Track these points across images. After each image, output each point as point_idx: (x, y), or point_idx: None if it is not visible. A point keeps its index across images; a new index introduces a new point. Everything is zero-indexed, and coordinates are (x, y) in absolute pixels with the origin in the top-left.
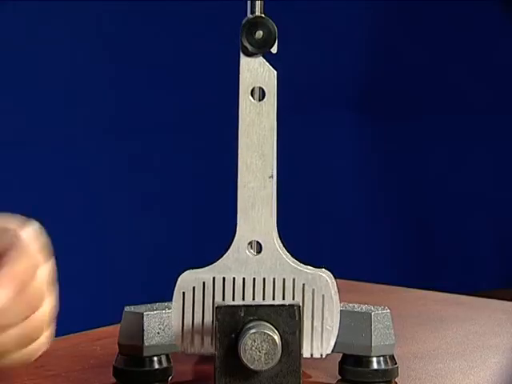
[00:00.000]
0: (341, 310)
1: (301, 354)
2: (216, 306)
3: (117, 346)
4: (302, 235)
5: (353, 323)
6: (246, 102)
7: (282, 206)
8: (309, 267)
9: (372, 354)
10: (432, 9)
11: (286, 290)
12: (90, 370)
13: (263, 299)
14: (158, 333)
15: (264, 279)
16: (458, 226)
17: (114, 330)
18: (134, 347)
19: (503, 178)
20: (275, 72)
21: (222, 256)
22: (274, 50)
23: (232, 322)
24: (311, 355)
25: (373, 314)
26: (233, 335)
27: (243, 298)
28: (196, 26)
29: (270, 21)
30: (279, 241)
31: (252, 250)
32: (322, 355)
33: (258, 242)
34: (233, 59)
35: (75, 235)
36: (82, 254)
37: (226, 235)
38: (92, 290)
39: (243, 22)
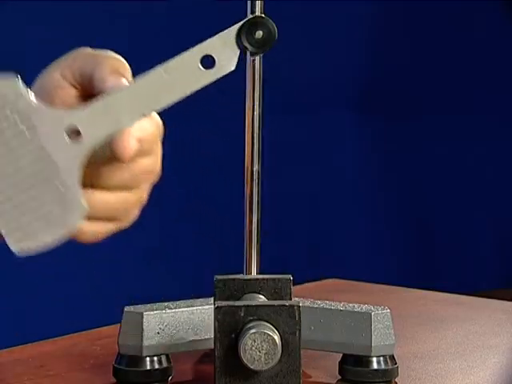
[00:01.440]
0: (341, 310)
1: (301, 354)
2: (216, 306)
3: (117, 346)
4: (302, 235)
5: (353, 323)
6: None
7: (282, 206)
8: None
9: (372, 354)
10: (433, 9)
11: None
12: (90, 370)
13: None
14: (158, 333)
15: None
16: (458, 226)
17: (114, 330)
18: (133, 347)
19: (503, 178)
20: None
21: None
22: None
23: (232, 322)
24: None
25: (373, 314)
26: (233, 335)
27: None
28: (196, 26)
29: (270, 21)
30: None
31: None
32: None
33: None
34: None
35: None
36: (82, 253)
37: (226, 235)
38: (92, 290)
39: (243, 21)
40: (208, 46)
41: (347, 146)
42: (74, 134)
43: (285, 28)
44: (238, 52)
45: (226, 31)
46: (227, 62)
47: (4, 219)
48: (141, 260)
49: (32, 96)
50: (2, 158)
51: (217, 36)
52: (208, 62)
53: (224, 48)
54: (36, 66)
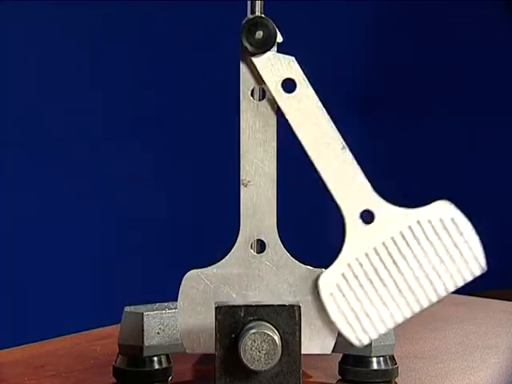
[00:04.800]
0: None
1: (301, 354)
2: (216, 306)
3: (117, 346)
4: (302, 235)
5: None
6: (282, 98)
7: (283, 205)
8: (309, 267)
9: (372, 354)
10: (433, 9)
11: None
12: (90, 370)
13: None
14: (158, 333)
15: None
16: None
17: (114, 329)
18: (133, 347)
19: (503, 178)
20: (293, 58)
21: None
22: (280, 39)
23: (232, 322)
24: (472, 275)
25: None
26: (233, 335)
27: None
28: (196, 25)
29: (270, 21)
30: (280, 240)
31: (254, 249)
32: (482, 269)
33: (261, 241)
34: (233, 60)
35: (75, 235)
36: (82, 253)
37: (227, 235)
38: (92, 290)
39: (243, 21)
40: None
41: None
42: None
43: (285, 28)
44: None
45: None
46: None
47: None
48: (141, 260)
49: None
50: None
51: None
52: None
53: None
54: (36, 66)
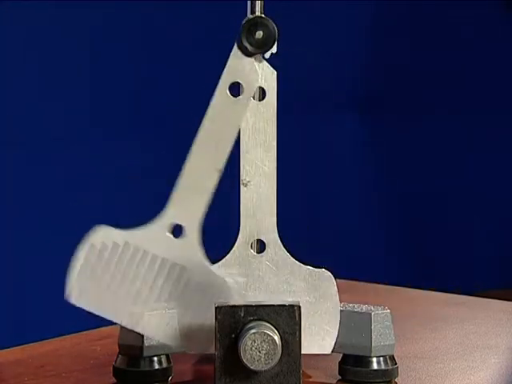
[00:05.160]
0: (341, 310)
1: (301, 354)
2: (216, 306)
3: (117, 346)
4: (302, 235)
5: (353, 323)
6: (221, 93)
7: (282, 206)
8: (309, 267)
9: (372, 354)
10: (433, 9)
11: (190, 284)
12: (90, 370)
13: (162, 284)
14: None
15: (173, 264)
16: (458, 225)
17: (114, 330)
18: (133, 347)
19: (503, 178)
20: (259, 75)
21: (225, 255)
22: (273, 50)
23: (232, 322)
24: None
25: (373, 314)
26: (233, 335)
27: (145, 274)
28: (196, 25)
29: (270, 21)
30: (280, 240)
31: (254, 249)
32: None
33: (261, 241)
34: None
35: (75, 235)
36: None
37: (227, 235)
38: None
39: (243, 22)
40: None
41: (348, 146)
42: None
43: (285, 28)
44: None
45: None
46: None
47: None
48: None
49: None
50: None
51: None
52: (235, 89)
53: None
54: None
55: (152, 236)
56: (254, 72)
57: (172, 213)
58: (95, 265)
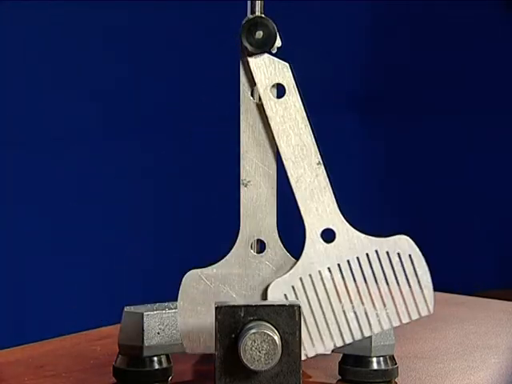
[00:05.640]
0: None
1: (301, 355)
2: (216, 305)
3: (117, 346)
4: (302, 235)
5: None
6: (270, 101)
7: (282, 206)
8: None
9: (372, 354)
10: (433, 9)
11: (373, 264)
12: (90, 370)
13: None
14: (158, 333)
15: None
16: (458, 225)
17: (114, 330)
18: (133, 347)
19: (503, 178)
20: (287, 64)
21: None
22: (275, 48)
23: (232, 321)
24: (419, 315)
25: None
26: (233, 335)
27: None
28: (196, 25)
29: (270, 21)
30: (280, 240)
31: (254, 249)
32: (430, 312)
33: (261, 241)
34: (233, 60)
35: (75, 235)
36: (82, 253)
37: (227, 235)
38: (92, 290)
39: (243, 22)
40: None
41: (348, 146)
42: None
43: (285, 28)
44: None
45: None
46: None
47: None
48: (141, 260)
49: None
50: None
51: None
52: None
53: None
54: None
55: (313, 253)
56: (280, 64)
57: (315, 222)
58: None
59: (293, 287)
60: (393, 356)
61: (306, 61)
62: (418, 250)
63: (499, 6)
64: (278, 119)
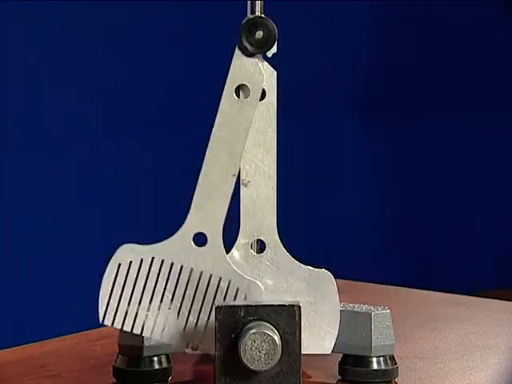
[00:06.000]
0: (341, 310)
1: (301, 354)
2: (216, 305)
3: (117, 346)
4: (302, 235)
5: (353, 323)
6: (230, 98)
7: (283, 206)
8: (309, 267)
9: (372, 354)
10: (433, 9)
11: (219, 290)
12: (90, 370)
13: (194, 294)
14: None
15: (201, 273)
16: (458, 225)
17: (114, 330)
18: (133, 347)
19: (503, 178)
20: (265, 75)
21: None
22: (274, 50)
23: (232, 322)
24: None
25: (373, 314)
26: (233, 335)
27: (175, 287)
28: (196, 25)
29: (270, 21)
30: (280, 240)
31: (254, 249)
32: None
33: (261, 241)
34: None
35: (75, 235)
36: (82, 253)
37: (227, 235)
38: (92, 290)
39: (243, 22)
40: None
41: (348, 146)
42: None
43: (285, 28)
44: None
45: None
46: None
47: None
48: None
49: None
50: None
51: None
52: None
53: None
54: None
55: (177, 248)
56: (259, 72)
57: (193, 222)
58: (125, 284)
59: (142, 260)
60: (393, 356)
61: (307, 60)
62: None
63: (499, 5)
64: (225, 114)
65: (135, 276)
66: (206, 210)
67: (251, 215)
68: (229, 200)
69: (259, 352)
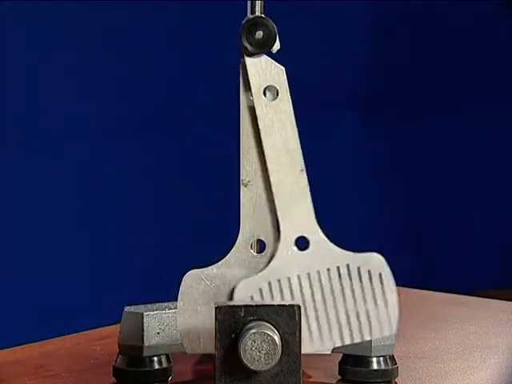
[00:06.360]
0: None
1: (301, 354)
2: (216, 306)
3: (117, 346)
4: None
5: None
6: (261, 102)
7: None
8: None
9: (372, 354)
10: (433, 9)
11: (343, 278)
12: (90, 370)
13: (322, 294)
14: (158, 333)
15: (318, 272)
16: (458, 225)
17: (114, 330)
18: (133, 347)
19: (503, 178)
20: (283, 68)
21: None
22: (274, 50)
23: (232, 322)
24: (381, 334)
25: None
26: (233, 335)
27: (302, 297)
28: (196, 25)
29: (270, 21)
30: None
31: (254, 249)
32: (392, 332)
33: (261, 241)
34: (233, 60)
35: (75, 235)
36: (82, 253)
37: (227, 235)
38: (92, 290)
39: (243, 22)
40: None
41: (348, 146)
42: None
43: (285, 28)
44: None
45: None
46: None
47: None
48: (141, 260)
49: None
50: None
51: None
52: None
53: None
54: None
55: (286, 261)
56: (277, 67)
57: (287, 229)
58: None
59: (260, 290)
60: (393, 356)
61: (307, 61)
62: (388, 269)
63: (499, 5)
64: (267, 121)
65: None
66: (294, 214)
67: (251, 215)
68: (309, 193)
69: (259, 352)
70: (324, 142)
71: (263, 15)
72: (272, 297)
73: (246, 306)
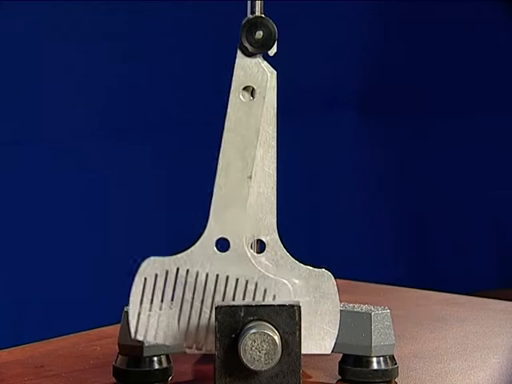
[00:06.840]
0: (341, 310)
1: (301, 354)
2: (216, 306)
3: (117, 346)
4: (302, 235)
5: (353, 323)
6: (235, 100)
7: (282, 205)
8: (309, 267)
9: (372, 354)
10: (433, 9)
11: (247, 293)
12: (90, 370)
13: (222, 299)
14: None
15: (227, 277)
16: (458, 225)
17: (114, 329)
18: (133, 347)
19: (503, 179)
20: (269, 74)
21: (187, 249)
22: (274, 51)
23: (232, 322)
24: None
25: (373, 314)
26: (233, 335)
27: (203, 295)
28: (196, 25)
29: (270, 21)
30: (280, 240)
31: (254, 249)
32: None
33: (261, 241)
34: (233, 60)
35: (75, 235)
36: (82, 253)
37: None
38: (92, 290)
39: (243, 22)
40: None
41: (348, 146)
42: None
43: (285, 28)
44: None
45: None
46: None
47: None
48: (141, 260)
49: None
50: None
51: None
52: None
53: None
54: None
55: (200, 256)
56: (263, 72)
57: (214, 229)
58: (152, 297)
59: (167, 272)
60: (393, 356)
61: (306, 60)
62: (299, 304)
63: (499, 6)
64: (233, 119)
65: (162, 289)
66: (225, 216)
67: (251, 215)
68: (247, 202)
69: (259, 352)
70: (324, 141)
71: (263, 15)
72: (175, 283)
73: (246, 306)
